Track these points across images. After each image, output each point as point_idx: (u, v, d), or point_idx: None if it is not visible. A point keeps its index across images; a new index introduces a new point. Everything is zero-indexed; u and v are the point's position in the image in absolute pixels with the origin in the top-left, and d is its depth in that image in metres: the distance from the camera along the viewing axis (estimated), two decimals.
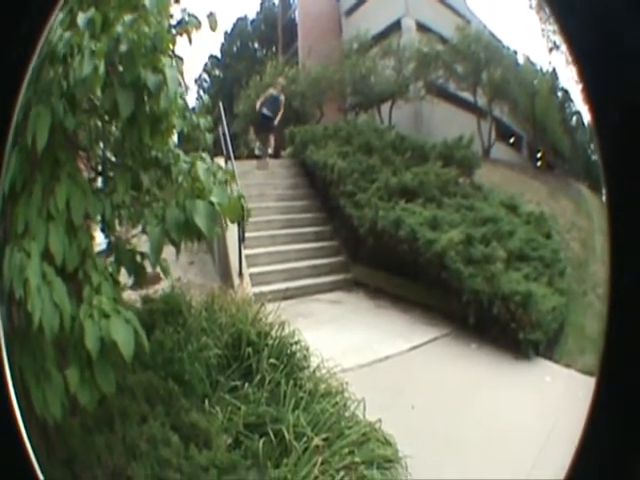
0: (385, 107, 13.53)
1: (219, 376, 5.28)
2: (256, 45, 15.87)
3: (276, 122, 12.43)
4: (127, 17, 4.02)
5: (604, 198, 1.18)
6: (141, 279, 4.78)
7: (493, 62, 12.82)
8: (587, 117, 1.18)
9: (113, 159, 4.73)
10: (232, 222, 4.75)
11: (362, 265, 9.51)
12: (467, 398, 5.99)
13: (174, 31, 4.67)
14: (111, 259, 4.62)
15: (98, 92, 4.03)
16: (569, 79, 10.24)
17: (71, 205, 4.01)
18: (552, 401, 5.71)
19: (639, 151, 1.13)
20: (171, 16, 4.66)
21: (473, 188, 10.19)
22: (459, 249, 8.07)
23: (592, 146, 1.19)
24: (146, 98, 4.15)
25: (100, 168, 4.81)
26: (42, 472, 1.54)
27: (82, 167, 4.63)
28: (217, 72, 15.74)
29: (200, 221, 3.95)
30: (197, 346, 5.43)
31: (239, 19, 15.79)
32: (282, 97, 12.55)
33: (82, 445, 4.30)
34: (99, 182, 4.77)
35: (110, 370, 3.96)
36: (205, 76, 15.79)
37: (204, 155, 4.94)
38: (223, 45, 15.66)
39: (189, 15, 4.74)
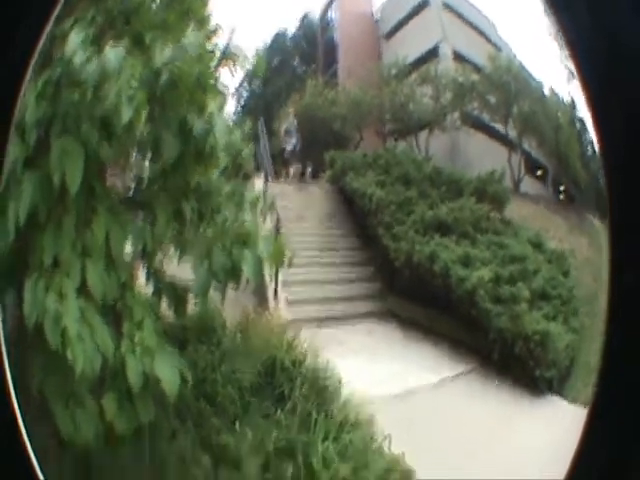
0: (422, 135, 13.62)
1: (251, 398, 5.28)
2: (296, 61, 15.66)
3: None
4: (166, 51, 3.67)
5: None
6: (182, 312, 4.62)
7: (522, 94, 12.94)
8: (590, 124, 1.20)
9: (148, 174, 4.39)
10: (275, 266, 4.64)
11: (396, 296, 9.50)
12: (486, 434, 6.04)
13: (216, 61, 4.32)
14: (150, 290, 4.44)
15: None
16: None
17: (110, 239, 3.74)
18: (557, 436, 5.75)
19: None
20: (212, 51, 4.32)
21: (503, 224, 10.25)
22: (488, 287, 8.14)
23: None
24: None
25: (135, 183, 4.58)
26: (42, 472, 1.55)
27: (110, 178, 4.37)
28: (256, 85, 15.51)
29: (248, 270, 3.87)
30: (230, 368, 5.41)
31: (278, 34, 15.51)
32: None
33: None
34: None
35: (150, 401, 3.82)
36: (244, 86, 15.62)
37: (247, 185, 4.83)
38: None
39: (235, 48, 4.38)
